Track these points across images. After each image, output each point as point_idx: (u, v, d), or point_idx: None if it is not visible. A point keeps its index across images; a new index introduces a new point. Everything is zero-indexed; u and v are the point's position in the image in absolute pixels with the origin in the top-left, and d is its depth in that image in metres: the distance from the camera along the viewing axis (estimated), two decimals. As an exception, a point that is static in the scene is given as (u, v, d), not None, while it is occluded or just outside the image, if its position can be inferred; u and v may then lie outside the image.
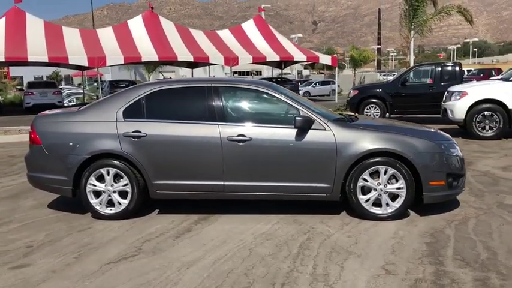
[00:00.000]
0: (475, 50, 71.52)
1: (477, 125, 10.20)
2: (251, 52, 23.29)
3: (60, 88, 28.76)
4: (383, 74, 48.44)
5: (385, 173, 4.77)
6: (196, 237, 4.48)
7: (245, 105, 5.30)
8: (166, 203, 5.41)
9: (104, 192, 5.02)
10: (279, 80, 29.28)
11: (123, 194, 5.04)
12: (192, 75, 29.37)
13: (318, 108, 5.20)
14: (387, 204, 4.82)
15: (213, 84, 5.13)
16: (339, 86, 32.68)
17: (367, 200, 4.84)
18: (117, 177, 5.01)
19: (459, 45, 74.16)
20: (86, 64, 20.20)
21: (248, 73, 56.71)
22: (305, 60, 25.15)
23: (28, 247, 4.30)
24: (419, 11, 18.41)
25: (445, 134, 5.29)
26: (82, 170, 4.99)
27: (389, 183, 4.80)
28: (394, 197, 4.83)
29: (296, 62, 29.92)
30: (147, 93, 5.11)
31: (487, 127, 10.20)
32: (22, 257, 4.07)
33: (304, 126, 4.77)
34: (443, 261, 3.77)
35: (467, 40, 62.67)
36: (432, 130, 5.36)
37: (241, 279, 3.52)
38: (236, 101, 5.25)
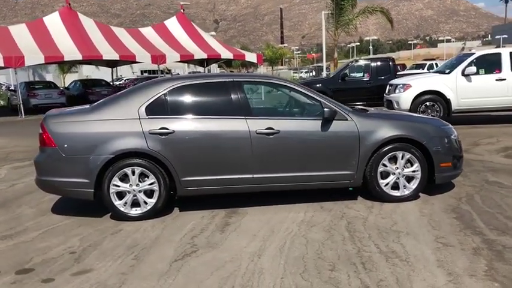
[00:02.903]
0: (370, 48, 76.79)
1: (421, 114, 11.13)
2: (178, 50, 23.00)
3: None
4: (294, 71, 50.20)
5: (402, 158, 5.16)
6: (241, 230, 4.52)
7: (268, 98, 5.41)
8: (184, 201, 5.35)
9: (128, 192, 4.86)
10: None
11: (147, 194, 4.92)
12: (112, 75, 28.26)
13: (334, 101, 5.46)
14: (404, 187, 5.22)
15: (234, 79, 5.18)
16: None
17: (386, 184, 5.19)
18: (141, 176, 4.88)
19: (358, 44, 79.23)
20: (1, 64, 18.62)
21: (162, 72, 55.45)
22: (232, 57, 25.34)
23: (71, 253, 4.07)
24: (344, 10, 19.47)
25: (443, 120, 5.81)
26: (104, 171, 4.79)
27: (405, 167, 5.20)
28: (408, 179, 5.24)
29: (221, 60, 30.04)
30: (168, 89, 5.02)
31: (430, 116, 11.16)
32: (75, 262, 3.85)
33: (331, 117, 5.00)
34: (482, 231, 4.22)
35: (368, 38, 67.28)
36: (433, 117, 5.86)
37: (320, 263, 3.66)
38: (259, 95, 5.35)
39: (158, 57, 21.89)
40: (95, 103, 5.30)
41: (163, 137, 4.82)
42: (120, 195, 4.88)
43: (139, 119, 4.86)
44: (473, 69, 10.91)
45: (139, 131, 4.81)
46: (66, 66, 34.81)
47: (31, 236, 4.58)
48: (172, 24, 25.16)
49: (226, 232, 4.47)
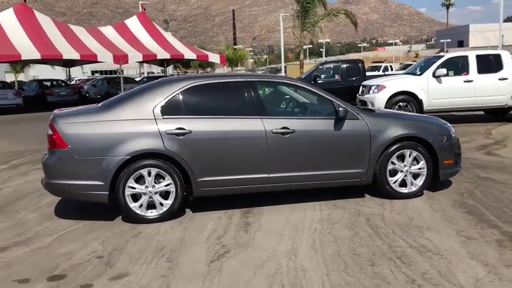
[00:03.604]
0: (322, 50, 78.43)
1: (396, 114, 11.50)
2: (140, 50, 22.55)
3: None
4: (251, 71, 50.41)
5: (409, 156, 5.33)
6: (264, 229, 4.52)
7: (282, 98, 5.44)
8: (195, 202, 5.28)
9: (144, 194, 4.75)
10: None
11: (162, 195, 4.83)
12: (69, 74, 27.29)
13: (343, 101, 5.56)
14: (411, 184, 5.40)
15: (248, 79, 5.17)
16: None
17: (395, 182, 5.35)
18: (157, 178, 4.78)
19: (310, 46, 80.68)
20: (-47, 62, 17.59)
21: (114, 72, 54.06)
22: (195, 58, 25.10)
23: (98, 258, 3.93)
24: (310, 13, 19.77)
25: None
26: (119, 172, 4.66)
27: (412, 165, 5.38)
28: (414, 177, 5.42)
29: (182, 60, 29.70)
30: (182, 89, 4.95)
31: (403, 116, 11.56)
32: (107, 267, 3.73)
33: (345, 117, 5.10)
34: (497, 224, 4.44)
35: (321, 41, 68.70)
36: (433, 117, 6.09)
37: (359, 259, 3.73)
38: (273, 95, 5.36)
39: (120, 57, 21.36)
40: (104, 102, 5.15)
41: (180, 137, 4.75)
42: (135, 197, 4.76)
43: (155, 119, 4.76)
44: (444, 71, 11.39)
45: (155, 131, 4.72)
46: (19, 65, 33.18)
47: (46, 241, 4.38)
48: (133, 24, 24.65)
49: (250, 232, 4.46)
